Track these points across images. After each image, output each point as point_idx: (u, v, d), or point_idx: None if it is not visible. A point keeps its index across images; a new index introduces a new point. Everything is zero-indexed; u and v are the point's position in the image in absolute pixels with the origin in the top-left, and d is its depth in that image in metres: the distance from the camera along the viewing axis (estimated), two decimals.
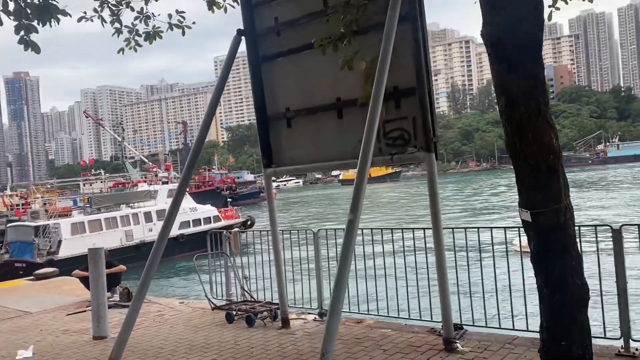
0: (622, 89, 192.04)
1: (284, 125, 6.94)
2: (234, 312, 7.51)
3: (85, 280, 9.92)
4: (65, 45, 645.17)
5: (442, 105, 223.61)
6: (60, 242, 31.46)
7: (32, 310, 9.38)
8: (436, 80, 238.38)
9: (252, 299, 8.11)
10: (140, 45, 6.58)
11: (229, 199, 57.18)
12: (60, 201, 40.64)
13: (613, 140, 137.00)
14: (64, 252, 31.11)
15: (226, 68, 6.65)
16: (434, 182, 5.58)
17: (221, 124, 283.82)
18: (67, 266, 29.94)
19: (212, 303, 8.09)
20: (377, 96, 4.95)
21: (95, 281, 7.24)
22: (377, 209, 56.84)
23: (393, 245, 7.06)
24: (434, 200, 5.57)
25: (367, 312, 7.15)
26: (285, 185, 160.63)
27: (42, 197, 48.26)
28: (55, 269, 13.01)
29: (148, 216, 35.67)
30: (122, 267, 10.09)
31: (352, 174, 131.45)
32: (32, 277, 12.84)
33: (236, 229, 8.31)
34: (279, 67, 6.94)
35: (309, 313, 7.58)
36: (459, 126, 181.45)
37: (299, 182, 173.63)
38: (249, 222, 43.00)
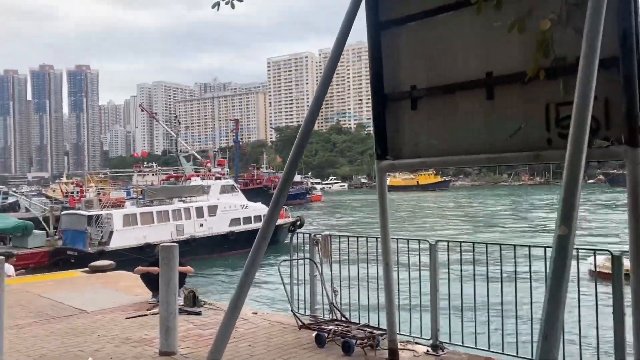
0: None
1: (407, 107, 5.50)
2: (326, 334, 6.18)
3: (146, 278, 8.86)
4: (124, 40, 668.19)
5: None
6: (111, 232, 31.19)
7: (88, 309, 8.35)
8: None
9: (345, 319, 6.75)
10: (240, 0, 5.35)
11: None
12: (114, 191, 40.74)
13: None
14: (114, 243, 30.82)
15: (343, 35, 5.31)
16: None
17: (270, 124, 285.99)
18: (117, 257, 29.65)
19: (300, 320, 6.77)
20: (590, 63, 3.49)
21: (166, 285, 6.05)
22: (437, 219, 54.73)
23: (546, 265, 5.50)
24: (636, 214, 4.00)
25: (501, 352, 5.62)
26: (330, 187, 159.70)
27: (95, 187, 48.77)
28: (111, 262, 12.09)
29: (200, 211, 35.09)
30: (190, 268, 8.94)
31: (399, 180, 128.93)
32: (87, 268, 11.96)
33: (326, 233, 6.90)
34: (405, 35, 5.53)
35: (417, 343, 6.15)
36: None
37: (343, 186, 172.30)
38: (298, 223, 41.76)
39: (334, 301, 6.91)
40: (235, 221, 36.84)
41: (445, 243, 6.10)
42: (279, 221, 39.88)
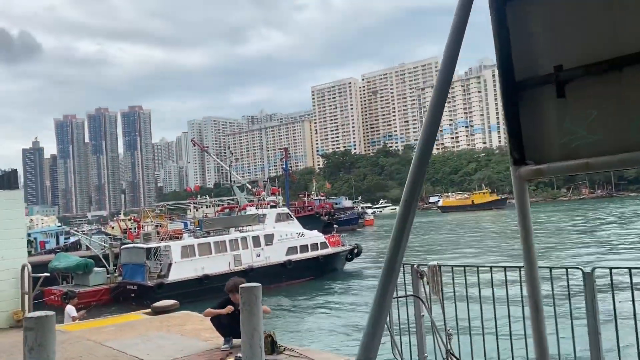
0: None
1: (552, 94, 4.15)
2: None
3: (216, 321, 7.78)
4: (173, 79, 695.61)
5: None
6: (170, 265, 30.76)
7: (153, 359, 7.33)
8: None
9: None
10: None
11: (335, 225, 55.17)
12: (171, 223, 40.74)
13: None
14: (173, 276, 30.33)
15: (460, 23, 4.08)
16: None
17: (317, 150, 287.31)
18: (176, 290, 29.10)
19: None
20: None
21: (249, 336, 4.91)
22: (507, 240, 52.04)
23: None
24: None
25: None
26: (381, 211, 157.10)
27: (151, 221, 49.17)
28: (175, 302, 11.14)
29: (256, 240, 34.33)
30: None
31: (453, 200, 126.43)
32: (149, 310, 11.06)
33: (434, 262, 5.54)
34: (541, 2, 4.28)
35: None
36: None
37: (395, 209, 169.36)
38: (356, 251, 40.52)
39: (449, 347, 5.57)
40: (292, 250, 35.83)
41: (630, 271, 4.65)
42: (336, 249, 38.76)
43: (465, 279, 5.59)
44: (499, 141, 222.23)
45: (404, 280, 6.06)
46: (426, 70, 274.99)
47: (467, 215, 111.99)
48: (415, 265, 5.87)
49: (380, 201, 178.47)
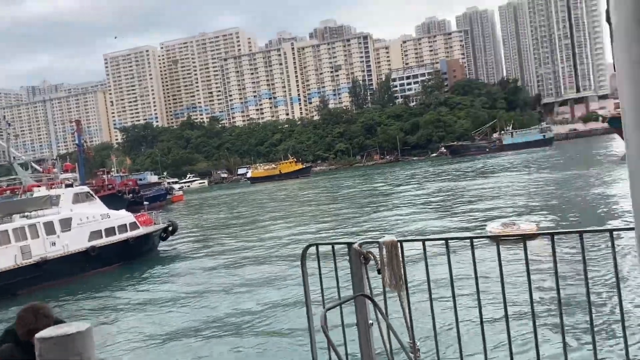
0: (509, 81, 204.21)
1: None
2: None
3: None
4: None
5: (344, 100, 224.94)
6: None
7: None
8: (337, 75, 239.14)
9: None
10: None
11: (146, 202, 50.06)
12: None
13: (507, 128, 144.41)
14: None
15: None
16: None
17: (114, 124, 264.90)
18: None
19: None
20: None
21: None
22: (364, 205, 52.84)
23: None
24: None
25: None
26: (189, 186, 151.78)
27: None
28: None
29: (50, 227, 28.96)
30: None
31: (262, 171, 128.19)
32: None
33: (391, 237, 3.36)
34: None
35: None
36: (361, 120, 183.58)
37: (203, 182, 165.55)
38: (171, 228, 37.00)
39: None
40: (95, 234, 31.17)
41: None
42: (148, 229, 34.72)
43: (449, 258, 3.57)
44: (300, 113, 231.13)
45: (335, 270, 3.82)
46: (227, 41, 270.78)
47: (275, 184, 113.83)
48: (356, 244, 3.66)
49: (188, 175, 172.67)
